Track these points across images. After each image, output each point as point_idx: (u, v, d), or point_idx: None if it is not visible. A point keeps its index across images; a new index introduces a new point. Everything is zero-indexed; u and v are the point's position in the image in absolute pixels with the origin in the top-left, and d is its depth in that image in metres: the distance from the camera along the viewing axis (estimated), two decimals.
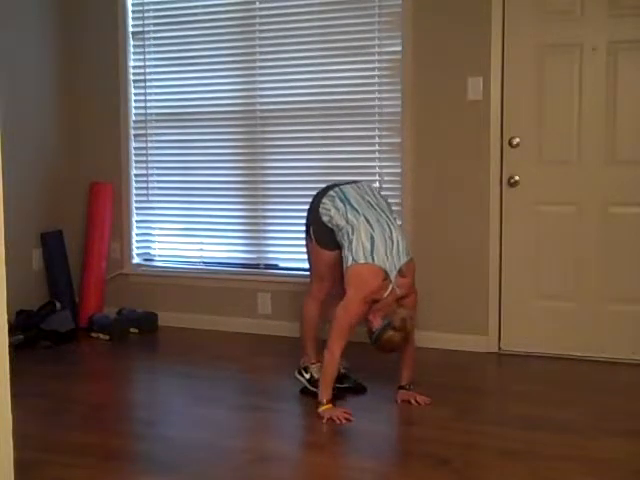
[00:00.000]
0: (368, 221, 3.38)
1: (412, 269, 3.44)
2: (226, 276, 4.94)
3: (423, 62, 4.38)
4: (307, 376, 3.66)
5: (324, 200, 3.50)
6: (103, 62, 5.11)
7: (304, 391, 3.64)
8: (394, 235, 3.39)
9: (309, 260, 3.71)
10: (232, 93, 4.89)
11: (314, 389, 3.51)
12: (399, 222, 4.49)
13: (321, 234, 3.53)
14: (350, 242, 3.35)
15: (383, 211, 3.48)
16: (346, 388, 3.62)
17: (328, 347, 3.34)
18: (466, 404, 3.54)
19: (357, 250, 3.32)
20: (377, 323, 3.33)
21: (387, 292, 3.32)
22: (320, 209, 3.50)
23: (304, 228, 3.66)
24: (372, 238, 3.33)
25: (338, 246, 3.48)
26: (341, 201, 3.46)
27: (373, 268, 3.31)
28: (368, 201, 3.50)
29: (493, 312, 4.36)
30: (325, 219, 3.48)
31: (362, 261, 3.32)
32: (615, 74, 4.07)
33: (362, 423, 3.26)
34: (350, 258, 3.34)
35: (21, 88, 4.82)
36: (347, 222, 3.40)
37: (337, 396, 3.44)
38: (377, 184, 4.58)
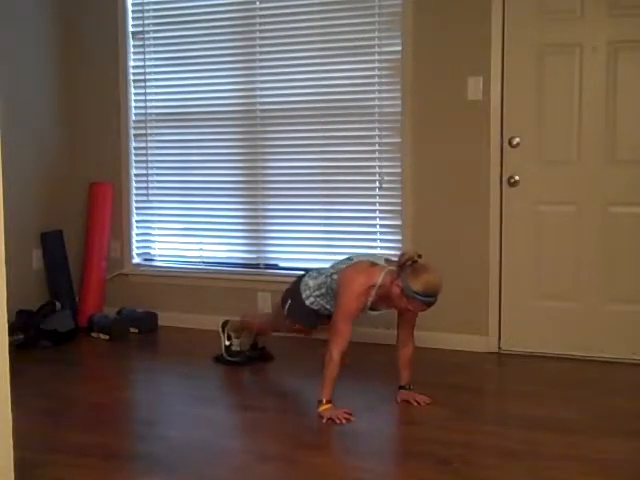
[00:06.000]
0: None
1: None
2: (226, 276, 4.94)
3: (423, 62, 4.38)
4: (227, 343, 4.13)
5: (304, 279, 3.67)
6: (103, 62, 5.11)
7: (219, 359, 4.14)
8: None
9: (279, 306, 3.82)
10: (232, 93, 4.89)
11: (229, 358, 4.11)
12: (399, 222, 4.52)
13: (295, 309, 3.68)
14: (329, 270, 3.57)
15: None
16: (255, 357, 4.16)
17: (328, 350, 3.34)
18: (466, 404, 3.54)
19: (335, 265, 3.56)
20: (397, 289, 3.26)
21: (381, 277, 3.32)
22: (301, 287, 3.65)
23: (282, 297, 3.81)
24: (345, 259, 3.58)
25: (299, 321, 3.73)
26: (317, 272, 3.66)
27: (356, 264, 3.44)
28: None
29: (493, 312, 4.36)
30: (305, 295, 3.62)
31: (343, 266, 3.48)
32: (615, 74, 4.07)
33: (362, 423, 3.26)
34: (335, 275, 3.49)
35: (21, 88, 4.82)
36: (323, 273, 3.60)
37: (247, 361, 4.10)
38: (377, 184, 4.59)
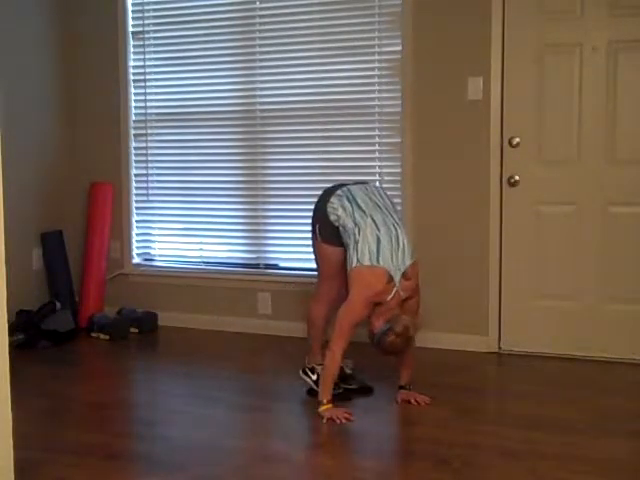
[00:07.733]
0: (375, 222, 3.38)
1: (416, 272, 3.42)
2: (226, 276, 4.94)
3: (423, 62, 4.38)
4: (314, 377, 3.60)
5: (332, 199, 3.49)
6: (103, 62, 5.12)
7: (311, 393, 3.57)
8: (400, 237, 3.39)
9: (316, 261, 3.66)
10: (232, 93, 4.89)
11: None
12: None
13: (328, 231, 3.51)
14: (356, 243, 3.35)
15: (389, 212, 3.48)
16: (352, 389, 3.62)
17: (329, 347, 3.34)
18: (466, 404, 3.53)
19: (363, 251, 3.33)
20: (379, 325, 3.31)
21: (391, 295, 3.30)
22: (327, 208, 3.48)
23: (310, 228, 3.61)
24: (378, 239, 3.34)
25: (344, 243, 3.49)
26: (348, 201, 3.46)
27: (377, 271, 3.30)
28: (375, 202, 3.49)
29: (493, 312, 4.36)
30: (332, 218, 3.47)
31: (367, 263, 3.31)
32: (615, 74, 4.07)
33: (362, 423, 3.26)
34: (355, 259, 3.34)
35: (21, 88, 4.82)
36: (354, 223, 3.39)
37: (343, 396, 3.48)
38: (377, 184, 4.58)
